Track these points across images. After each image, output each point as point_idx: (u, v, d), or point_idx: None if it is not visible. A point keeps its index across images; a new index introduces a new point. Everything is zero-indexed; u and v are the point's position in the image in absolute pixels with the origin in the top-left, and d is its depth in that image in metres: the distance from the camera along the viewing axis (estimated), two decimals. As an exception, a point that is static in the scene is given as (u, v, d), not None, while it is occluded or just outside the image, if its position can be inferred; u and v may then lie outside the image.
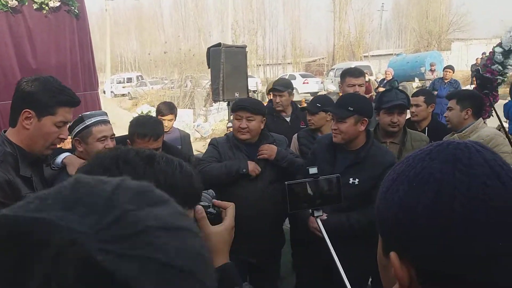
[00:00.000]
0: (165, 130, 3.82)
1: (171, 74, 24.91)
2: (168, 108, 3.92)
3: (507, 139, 2.86)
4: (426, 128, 3.33)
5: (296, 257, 3.26)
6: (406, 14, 42.31)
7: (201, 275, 0.38)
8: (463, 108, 2.88)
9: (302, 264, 2.93)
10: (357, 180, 2.22)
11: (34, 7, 4.94)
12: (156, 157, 0.70)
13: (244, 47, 5.47)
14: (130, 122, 2.32)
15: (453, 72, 9.01)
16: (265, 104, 3.74)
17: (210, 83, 5.80)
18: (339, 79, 3.83)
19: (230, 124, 4.96)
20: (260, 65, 38.51)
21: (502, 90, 8.61)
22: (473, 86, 8.70)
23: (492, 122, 3.76)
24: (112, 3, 32.25)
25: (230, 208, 0.98)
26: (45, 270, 0.32)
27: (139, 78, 28.65)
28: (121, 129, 2.35)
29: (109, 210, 0.36)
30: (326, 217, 2.13)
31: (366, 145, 2.31)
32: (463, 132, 2.86)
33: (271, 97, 3.83)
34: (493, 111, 5.82)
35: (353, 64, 19.68)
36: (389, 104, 2.63)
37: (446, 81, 8.75)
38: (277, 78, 5.73)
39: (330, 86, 16.61)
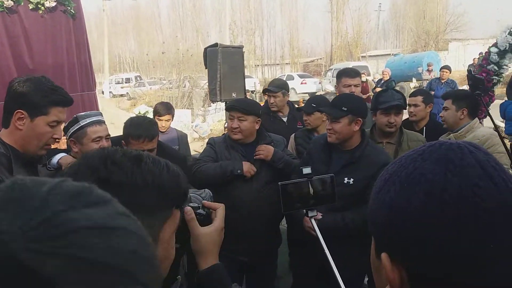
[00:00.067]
0: (162, 130, 3.84)
1: (169, 75, 24.91)
2: (165, 109, 3.92)
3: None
4: (424, 128, 3.34)
5: (293, 257, 3.27)
6: (403, 14, 42.39)
7: (137, 274, 0.39)
8: (459, 108, 2.89)
9: (299, 264, 2.93)
10: (352, 179, 2.23)
11: (30, 7, 4.94)
12: (143, 157, 0.70)
13: (241, 47, 5.47)
14: (125, 123, 2.32)
15: (450, 72, 9.03)
16: (261, 105, 3.75)
17: (208, 83, 5.80)
18: (336, 79, 3.83)
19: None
20: (258, 65, 38.51)
21: (500, 90, 8.64)
22: (470, 86, 8.69)
23: (488, 122, 3.77)
24: (109, 3, 32.16)
25: (220, 209, 0.98)
26: None
27: (138, 78, 28.62)
28: (119, 129, 2.37)
29: (41, 210, 0.37)
30: (321, 217, 2.13)
31: (361, 145, 2.31)
32: (459, 132, 2.87)
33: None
34: (488, 111, 5.84)
35: (351, 64, 19.70)
36: (386, 105, 2.63)
37: (443, 81, 8.77)
38: (274, 79, 5.73)
39: (328, 86, 16.60)
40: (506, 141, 5.11)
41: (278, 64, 40.65)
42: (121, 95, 24.32)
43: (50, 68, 5.14)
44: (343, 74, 3.40)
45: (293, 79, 22.58)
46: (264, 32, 43.05)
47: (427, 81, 11.06)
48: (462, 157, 0.53)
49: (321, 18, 70.24)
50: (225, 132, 3.93)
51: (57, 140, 1.67)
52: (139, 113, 9.79)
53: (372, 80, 14.60)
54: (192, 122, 12.65)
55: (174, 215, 0.74)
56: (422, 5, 38.73)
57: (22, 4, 4.89)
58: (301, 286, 2.86)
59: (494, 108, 5.98)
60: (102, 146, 2.02)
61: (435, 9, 38.03)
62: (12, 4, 4.81)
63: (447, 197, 0.50)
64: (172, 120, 4.02)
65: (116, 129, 2.29)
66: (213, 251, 0.94)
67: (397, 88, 12.05)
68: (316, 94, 16.37)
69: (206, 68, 5.27)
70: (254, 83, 21.26)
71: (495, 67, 5.88)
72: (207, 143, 2.71)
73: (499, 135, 2.53)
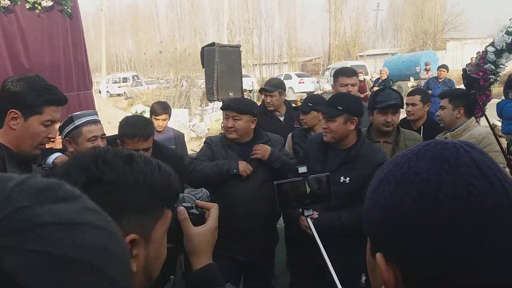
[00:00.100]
0: (159, 129, 3.84)
1: (167, 74, 24.85)
2: (162, 108, 3.91)
3: (499, 138, 2.87)
4: (422, 127, 3.35)
5: (291, 256, 3.27)
6: (401, 13, 42.44)
7: (106, 269, 0.39)
8: (456, 107, 2.89)
9: (296, 263, 2.93)
10: (348, 178, 2.23)
11: (27, 7, 4.93)
12: (134, 157, 0.70)
13: (238, 46, 5.45)
14: (120, 122, 2.31)
15: (448, 72, 9.06)
16: (258, 104, 3.75)
17: (205, 82, 5.79)
18: (335, 78, 3.83)
19: (224, 124, 4.95)
20: (256, 64, 38.56)
21: (497, 89, 8.66)
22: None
23: (485, 121, 3.77)
24: (107, 3, 32.12)
25: (213, 209, 0.97)
26: None
27: (135, 78, 28.57)
28: (116, 129, 2.37)
29: (4, 206, 0.37)
30: (317, 216, 2.13)
31: (357, 144, 2.32)
32: (455, 131, 2.87)
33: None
34: (485, 110, 5.86)
35: (348, 63, 19.71)
36: (383, 104, 2.63)
37: (440, 80, 8.79)
38: (270, 78, 5.72)
39: (326, 85, 16.61)
40: (503, 140, 5.14)
41: (276, 63, 40.69)
42: (119, 95, 24.27)
43: (47, 67, 5.13)
44: (340, 73, 3.41)
45: (291, 78, 22.57)
46: (262, 31, 43.08)
47: (425, 80, 11.08)
48: (457, 157, 0.52)
49: (319, 18, 70.32)
50: (222, 131, 3.93)
51: (51, 139, 1.66)
52: (136, 112, 9.78)
53: (370, 79, 14.61)
54: (189, 122, 12.63)
55: (166, 215, 0.74)
56: (420, 4, 38.79)
57: (19, 3, 4.88)
58: (298, 285, 2.87)
59: (491, 107, 6.00)
60: (97, 145, 2.01)
61: (433, 9, 38.09)
62: (9, 3, 4.79)
63: (442, 197, 0.50)
64: (169, 120, 4.01)
65: (113, 129, 2.29)
66: (207, 250, 0.93)
67: (395, 87, 12.10)
68: (314, 93, 16.37)
69: (203, 67, 5.26)
70: (252, 83, 21.24)
71: (492, 66, 5.89)
72: (204, 142, 2.72)
73: (494, 134, 2.54)
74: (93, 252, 0.39)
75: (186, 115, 12.78)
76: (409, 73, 19.62)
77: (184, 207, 0.94)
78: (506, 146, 4.56)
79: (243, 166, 2.45)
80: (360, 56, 36.61)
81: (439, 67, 9.29)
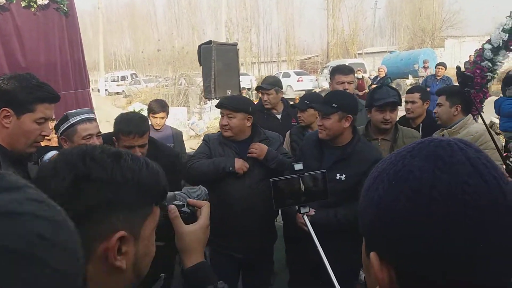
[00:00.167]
0: (157, 128, 3.82)
1: (165, 72, 24.86)
2: (160, 106, 3.89)
3: (495, 136, 2.87)
4: (421, 124, 3.34)
5: (290, 253, 3.27)
6: (399, 11, 42.47)
7: (47, 259, 0.39)
8: (453, 104, 2.89)
9: (295, 260, 2.93)
10: (344, 175, 2.24)
11: (22, 5, 4.91)
12: (122, 154, 0.70)
13: (235, 44, 5.45)
14: (115, 119, 2.30)
15: (446, 69, 9.06)
16: (256, 102, 3.75)
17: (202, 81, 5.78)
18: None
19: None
20: (254, 62, 38.51)
21: (495, 86, 8.67)
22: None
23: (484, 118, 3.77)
24: (104, 1, 32.09)
25: (205, 207, 0.97)
26: None
27: (133, 76, 28.56)
28: (115, 127, 2.38)
29: None
30: (313, 213, 2.13)
31: (352, 141, 2.32)
32: (452, 128, 2.87)
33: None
34: (482, 108, 5.87)
35: (347, 61, 19.71)
36: (381, 102, 2.63)
37: (438, 78, 8.79)
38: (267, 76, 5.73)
39: (325, 83, 16.60)
40: (501, 137, 5.15)
41: (274, 61, 40.66)
42: (117, 93, 24.26)
43: (43, 66, 5.12)
44: (336, 71, 3.41)
45: (289, 76, 22.58)
46: (260, 29, 43.03)
47: (423, 78, 11.08)
48: (452, 154, 0.52)
49: (317, 16, 70.29)
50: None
51: (45, 137, 1.65)
52: (134, 110, 9.76)
53: (368, 77, 14.61)
54: (188, 120, 12.61)
55: (154, 212, 0.73)
56: (418, 2, 38.81)
57: (14, 1, 4.86)
58: (297, 282, 2.87)
59: (489, 105, 6.00)
60: (93, 143, 2.01)
61: (431, 7, 38.12)
62: (4, 2, 4.78)
63: (436, 195, 0.49)
64: (167, 118, 4.00)
65: (112, 127, 2.29)
66: (198, 249, 0.93)
67: (393, 85, 12.09)
68: (312, 91, 16.35)
69: (200, 66, 5.26)
70: (250, 81, 21.23)
71: (489, 64, 5.89)
72: (203, 140, 2.72)
73: (489, 131, 2.54)
74: (33, 241, 0.39)
75: (184, 113, 12.76)
76: (407, 71, 19.64)
77: (175, 205, 0.93)
78: (504, 143, 4.56)
79: (239, 164, 2.45)
80: (358, 54, 36.63)
81: (437, 64, 9.29)
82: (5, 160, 1.54)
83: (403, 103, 3.26)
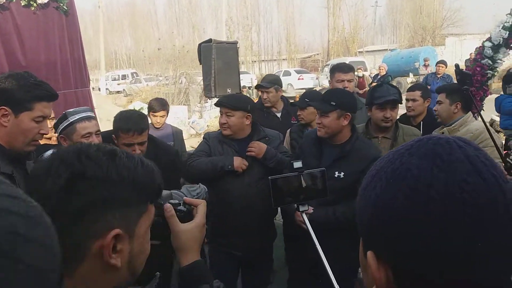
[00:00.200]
0: (157, 126, 3.82)
1: (166, 71, 24.85)
2: (160, 105, 3.90)
3: (495, 134, 2.86)
4: (421, 122, 3.34)
5: (289, 251, 3.27)
6: (400, 9, 42.37)
7: (20, 255, 0.39)
8: (453, 102, 2.88)
9: (295, 258, 2.93)
10: (342, 173, 2.24)
11: (22, 4, 4.90)
12: (117, 152, 0.70)
13: (235, 43, 5.45)
14: (114, 117, 2.30)
15: (446, 67, 9.05)
16: (256, 101, 3.74)
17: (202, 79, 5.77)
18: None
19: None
20: (255, 61, 38.51)
21: (496, 84, 8.64)
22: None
23: (484, 116, 3.78)
24: (105, 0, 32.02)
25: (201, 206, 0.97)
26: None
27: (134, 75, 28.59)
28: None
29: None
30: (312, 211, 2.13)
31: (351, 139, 2.32)
32: (452, 125, 2.86)
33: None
34: (483, 105, 5.85)
35: (348, 59, 19.69)
36: (381, 100, 2.63)
37: (439, 76, 8.78)
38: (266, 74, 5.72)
39: (325, 81, 16.60)
40: (501, 135, 5.14)
41: (275, 60, 40.65)
42: (118, 92, 24.28)
43: (43, 65, 5.12)
44: (336, 69, 3.41)
45: (290, 75, 22.57)
46: (261, 28, 43.02)
47: (424, 76, 11.07)
48: (451, 152, 0.51)
49: (317, 14, 70.13)
50: (220, 127, 3.93)
51: (44, 135, 1.65)
52: (134, 108, 9.77)
53: (369, 75, 14.59)
54: (188, 119, 12.60)
55: (149, 210, 0.73)
56: (419, 0, 38.72)
57: (14, 0, 4.86)
58: (296, 281, 2.87)
59: (490, 102, 5.99)
60: (92, 142, 2.01)
61: (431, 4, 38.03)
62: (4, 1, 4.77)
63: (433, 193, 0.49)
64: (167, 116, 4.00)
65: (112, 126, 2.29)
66: (194, 247, 0.93)
67: (394, 83, 12.06)
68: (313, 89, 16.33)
69: (200, 64, 5.26)
70: (251, 79, 21.22)
71: (490, 61, 5.88)
72: (203, 138, 2.73)
73: (488, 129, 2.54)
74: (5, 237, 0.39)
75: (185, 112, 12.76)
76: (408, 69, 19.61)
77: (171, 204, 0.93)
78: (504, 141, 4.55)
79: (238, 162, 2.45)
80: (359, 52, 36.58)
81: (438, 62, 9.28)
82: (3, 159, 1.54)
83: (404, 101, 3.26)
